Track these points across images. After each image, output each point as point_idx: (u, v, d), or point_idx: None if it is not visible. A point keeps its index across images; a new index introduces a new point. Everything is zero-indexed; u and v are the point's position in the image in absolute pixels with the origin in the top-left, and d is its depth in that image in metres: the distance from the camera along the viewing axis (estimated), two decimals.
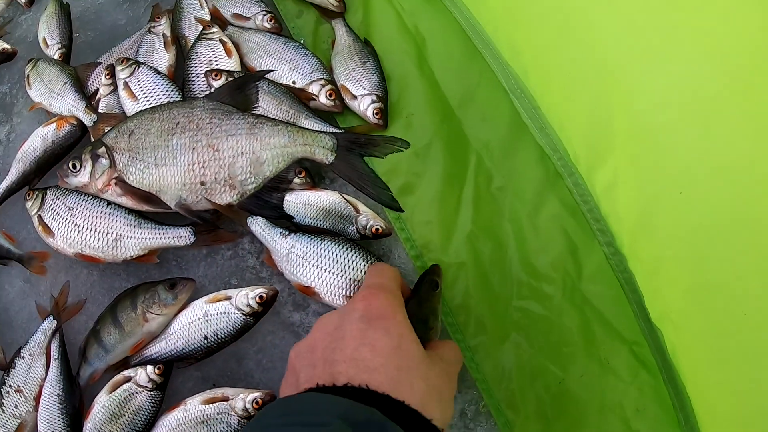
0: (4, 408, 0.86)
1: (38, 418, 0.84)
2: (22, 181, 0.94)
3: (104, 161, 0.81)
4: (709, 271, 0.64)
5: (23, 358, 0.87)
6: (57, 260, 0.90)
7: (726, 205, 0.61)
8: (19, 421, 0.85)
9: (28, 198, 0.89)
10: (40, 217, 0.87)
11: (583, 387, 0.77)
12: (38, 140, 0.93)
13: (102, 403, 0.79)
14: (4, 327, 0.92)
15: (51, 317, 0.87)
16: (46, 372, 0.85)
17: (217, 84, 0.84)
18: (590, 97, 0.72)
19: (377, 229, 0.79)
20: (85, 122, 0.93)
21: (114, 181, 0.80)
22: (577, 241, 0.78)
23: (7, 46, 1.10)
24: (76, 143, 0.93)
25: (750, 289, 0.58)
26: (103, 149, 0.81)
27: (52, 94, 0.96)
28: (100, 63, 0.98)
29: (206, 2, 0.98)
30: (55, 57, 1.03)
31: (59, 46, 1.03)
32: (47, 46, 1.05)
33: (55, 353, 0.85)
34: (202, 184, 0.78)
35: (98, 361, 0.81)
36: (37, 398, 0.85)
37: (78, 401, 0.83)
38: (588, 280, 0.78)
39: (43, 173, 0.94)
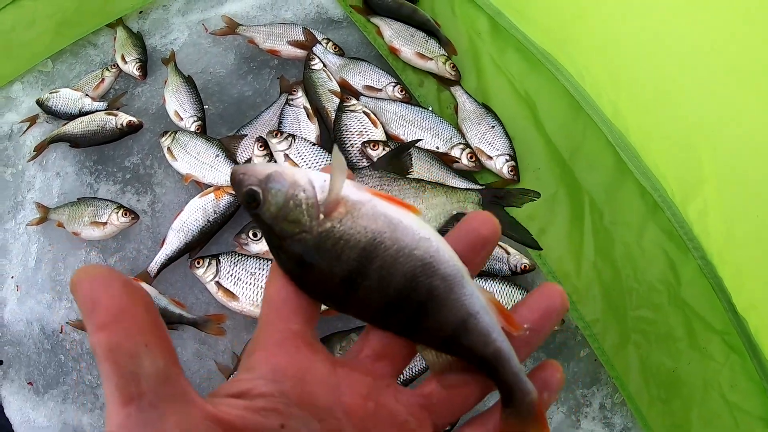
0: None
1: None
2: (184, 250, 0.99)
3: None
4: None
5: None
6: (234, 320, 0.96)
7: None
8: None
9: (198, 266, 0.95)
10: (218, 283, 0.93)
11: (690, 372, 0.96)
12: (198, 211, 0.99)
13: None
14: None
15: (236, 374, 0.93)
16: None
17: (375, 153, 0.95)
18: (683, 147, 0.90)
19: (525, 266, 0.94)
20: None
21: None
22: (674, 257, 0.97)
23: (133, 119, 1.13)
24: (235, 212, 1.00)
25: None
26: None
27: (204, 165, 1.01)
28: (245, 135, 1.04)
29: (332, 75, 1.08)
30: (192, 129, 1.08)
31: (195, 119, 1.08)
32: (180, 119, 1.10)
33: None
34: None
35: None
36: None
37: None
38: (686, 287, 0.96)
39: (206, 242, 1.00)
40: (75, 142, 1.20)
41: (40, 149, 1.25)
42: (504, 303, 0.87)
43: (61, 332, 1.11)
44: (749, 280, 0.89)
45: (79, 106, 1.24)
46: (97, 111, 1.21)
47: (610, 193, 1.00)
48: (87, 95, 1.25)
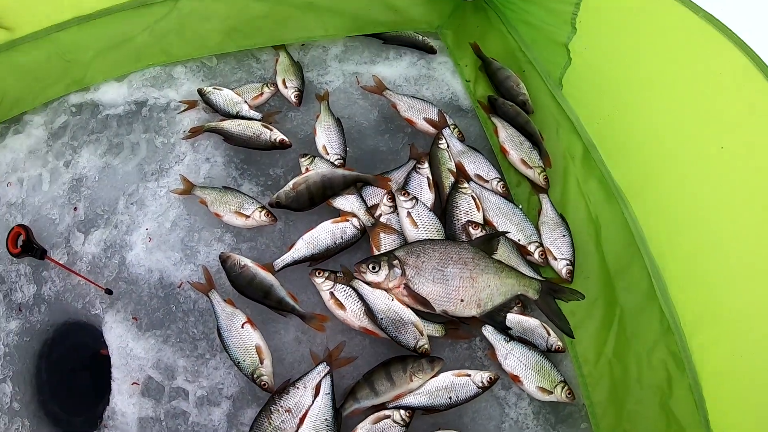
0: (271, 421, 1.42)
1: None
2: (308, 258, 1.53)
3: (397, 270, 1.43)
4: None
5: (297, 387, 1.45)
6: (333, 323, 1.50)
7: None
8: None
9: (318, 275, 1.48)
10: (332, 293, 1.46)
11: None
12: (328, 232, 1.54)
13: (365, 428, 1.40)
14: (276, 362, 1.48)
15: (324, 363, 1.45)
16: (312, 401, 1.42)
17: (475, 233, 1.50)
18: (701, 289, 1.44)
19: (558, 347, 1.48)
20: (364, 222, 1.55)
21: (403, 285, 1.42)
22: (672, 374, 1.51)
23: (285, 138, 1.68)
24: (354, 244, 1.53)
25: None
26: (397, 261, 1.43)
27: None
28: (390, 178, 1.61)
29: (452, 156, 1.63)
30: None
31: (338, 156, 1.64)
32: (327, 153, 1.65)
33: (326, 389, 1.44)
34: (461, 300, 1.43)
35: (366, 401, 1.42)
36: (301, 419, 1.42)
37: (338, 426, 1.41)
38: (675, 400, 1.51)
39: (325, 258, 1.54)
40: (229, 138, 1.74)
41: (195, 132, 1.80)
42: (540, 371, 1.40)
43: (179, 287, 1.63)
44: (729, 407, 1.41)
45: (237, 109, 1.80)
46: (252, 119, 1.76)
47: (638, 312, 1.55)
48: (246, 102, 1.80)
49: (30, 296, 1.74)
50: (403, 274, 1.46)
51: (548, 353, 1.51)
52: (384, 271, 1.46)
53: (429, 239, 1.52)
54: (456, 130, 1.71)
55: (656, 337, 1.55)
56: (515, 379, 1.48)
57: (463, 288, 1.46)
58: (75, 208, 1.79)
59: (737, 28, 1.28)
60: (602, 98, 1.61)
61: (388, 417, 1.44)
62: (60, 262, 1.69)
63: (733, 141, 1.34)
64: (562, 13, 1.62)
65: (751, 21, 1.29)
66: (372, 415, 1.45)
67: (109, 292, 1.72)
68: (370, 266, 1.47)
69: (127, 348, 1.66)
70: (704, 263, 1.46)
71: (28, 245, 1.67)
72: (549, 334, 1.52)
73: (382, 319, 1.47)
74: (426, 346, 1.46)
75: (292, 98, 1.79)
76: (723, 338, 1.44)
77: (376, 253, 1.52)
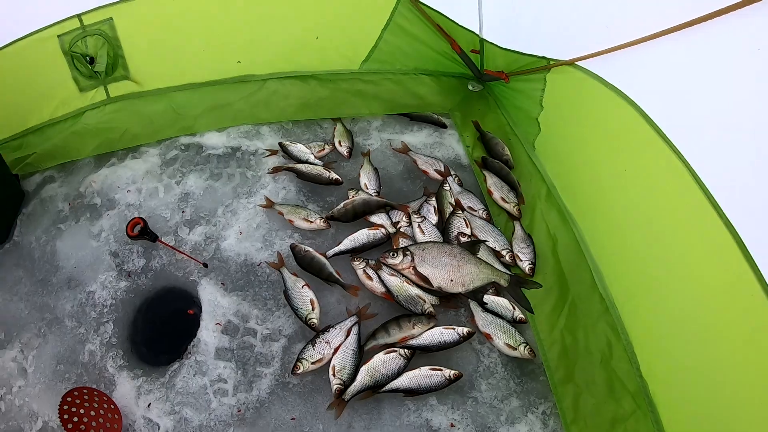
0: (315, 347, 2.38)
1: (334, 359, 2.38)
2: (350, 251, 2.60)
3: (408, 258, 2.46)
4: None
5: (335, 329, 2.46)
6: (364, 293, 2.54)
7: None
8: (320, 356, 2.38)
9: (356, 260, 2.53)
10: (365, 270, 2.48)
11: (606, 409, 2.28)
12: (365, 235, 2.67)
13: (379, 357, 2.38)
14: (322, 314, 2.47)
15: (355, 316, 2.43)
16: (344, 339, 2.36)
17: (463, 239, 2.54)
18: (627, 273, 2.38)
19: (521, 319, 2.43)
20: (389, 230, 2.61)
21: (411, 267, 2.43)
22: (612, 341, 2.39)
23: (339, 177, 2.84)
24: (381, 244, 2.58)
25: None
26: (408, 252, 2.46)
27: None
28: (409, 206, 2.71)
29: (453, 194, 2.74)
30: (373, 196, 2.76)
31: (375, 190, 2.80)
32: (367, 188, 2.79)
33: (355, 332, 2.42)
34: (452, 280, 2.43)
35: (381, 339, 2.38)
36: (335, 349, 2.37)
37: (361, 356, 2.32)
38: (615, 360, 2.37)
39: (362, 251, 2.59)
40: (300, 175, 2.92)
41: (276, 170, 3.01)
42: (507, 332, 2.35)
43: (258, 265, 2.66)
44: (653, 357, 2.25)
45: (305, 157, 3.03)
46: (316, 165, 2.94)
47: (584, 297, 2.53)
48: (312, 153, 3.01)
49: (140, 267, 2.79)
50: (412, 260, 2.47)
51: (514, 324, 2.44)
52: (399, 257, 2.49)
53: (431, 241, 2.55)
54: (456, 178, 2.85)
55: (598, 314, 2.46)
56: (488, 336, 2.40)
57: (453, 272, 2.44)
58: (183, 211, 2.93)
59: (639, 99, 2.28)
60: (559, 154, 2.77)
61: (395, 352, 2.35)
62: (169, 244, 2.76)
63: (633, 165, 2.34)
64: (534, 97, 2.84)
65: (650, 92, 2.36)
66: (384, 350, 2.35)
67: (205, 265, 2.76)
68: (391, 254, 2.51)
69: (215, 301, 2.65)
70: (628, 256, 2.40)
71: (144, 231, 2.75)
72: (514, 309, 2.48)
73: (397, 296, 2.47)
74: (431, 309, 2.43)
75: (345, 153, 3.00)
76: (646, 307, 2.32)
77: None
